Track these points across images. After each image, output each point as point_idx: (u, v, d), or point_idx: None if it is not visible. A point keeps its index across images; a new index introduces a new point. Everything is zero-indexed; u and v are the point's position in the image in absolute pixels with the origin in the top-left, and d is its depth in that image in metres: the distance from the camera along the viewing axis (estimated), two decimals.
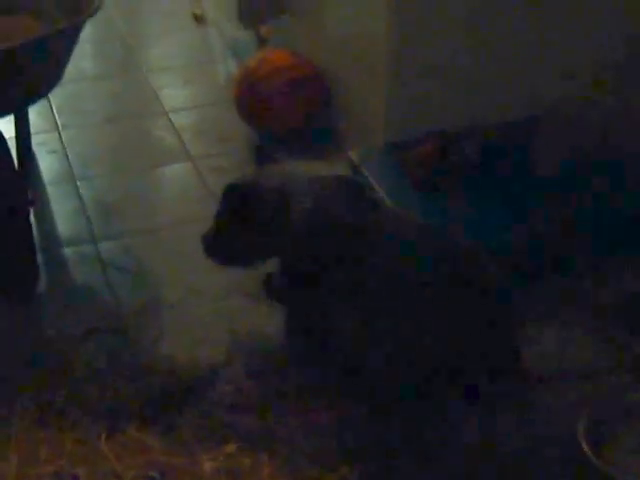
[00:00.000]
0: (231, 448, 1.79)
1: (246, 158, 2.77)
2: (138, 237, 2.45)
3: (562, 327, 2.04)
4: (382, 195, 2.23)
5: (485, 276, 1.83)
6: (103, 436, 1.82)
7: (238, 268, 2.05)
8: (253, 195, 1.92)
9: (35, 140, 2.84)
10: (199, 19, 3.68)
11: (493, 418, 1.80)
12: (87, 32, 2.38)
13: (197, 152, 2.83)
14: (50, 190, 2.67)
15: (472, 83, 2.48)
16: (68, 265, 2.39)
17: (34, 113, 2.86)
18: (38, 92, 2.33)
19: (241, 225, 1.95)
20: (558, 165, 2.30)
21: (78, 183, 2.69)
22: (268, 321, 2.12)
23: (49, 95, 2.47)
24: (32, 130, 2.79)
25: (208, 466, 1.76)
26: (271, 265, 2.03)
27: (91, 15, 2.21)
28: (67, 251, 2.41)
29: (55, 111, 3.06)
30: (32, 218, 2.33)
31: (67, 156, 2.82)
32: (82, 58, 3.21)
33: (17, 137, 2.67)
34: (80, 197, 2.62)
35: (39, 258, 2.31)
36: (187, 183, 2.70)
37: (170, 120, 3.01)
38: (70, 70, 2.37)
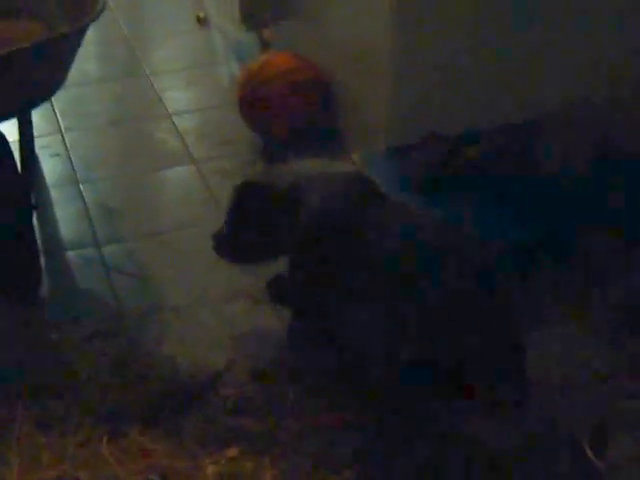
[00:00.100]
0: (233, 452, 1.80)
1: (249, 160, 2.77)
2: (141, 240, 2.45)
3: (563, 328, 2.04)
4: None
5: (497, 275, 1.81)
6: (105, 440, 1.82)
7: (248, 266, 2.06)
8: (264, 193, 1.92)
9: (38, 143, 2.84)
10: (202, 22, 3.68)
11: (493, 418, 1.80)
12: (90, 34, 2.38)
13: (200, 155, 2.83)
14: (53, 193, 2.67)
15: (474, 85, 2.48)
16: (71, 268, 2.38)
17: (37, 116, 2.85)
18: (41, 95, 2.33)
19: (252, 223, 1.95)
20: (559, 165, 2.30)
21: (81, 186, 2.69)
22: (271, 325, 2.12)
23: (52, 98, 2.47)
24: (35, 133, 2.79)
25: (210, 470, 1.76)
26: (277, 267, 2.03)
27: (94, 19, 2.21)
28: (70, 254, 2.41)
29: (58, 114, 3.06)
30: (35, 221, 2.33)
31: (70, 159, 2.82)
32: (85, 61, 3.20)
33: (20, 140, 2.66)
34: (83, 200, 2.62)
35: (42, 261, 2.31)
36: (190, 186, 2.69)
37: (173, 123, 3.01)
38: (73, 73, 2.37)
